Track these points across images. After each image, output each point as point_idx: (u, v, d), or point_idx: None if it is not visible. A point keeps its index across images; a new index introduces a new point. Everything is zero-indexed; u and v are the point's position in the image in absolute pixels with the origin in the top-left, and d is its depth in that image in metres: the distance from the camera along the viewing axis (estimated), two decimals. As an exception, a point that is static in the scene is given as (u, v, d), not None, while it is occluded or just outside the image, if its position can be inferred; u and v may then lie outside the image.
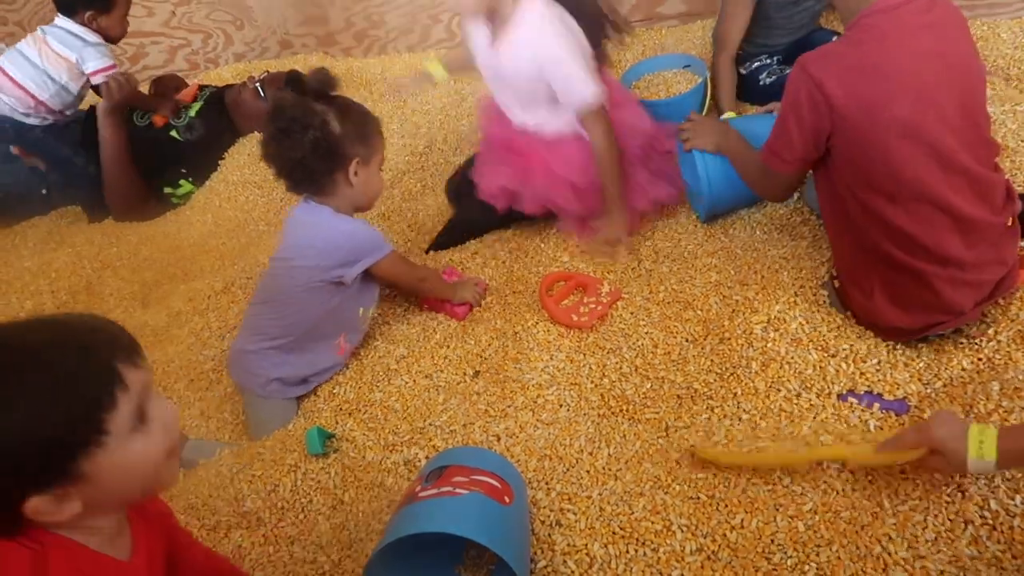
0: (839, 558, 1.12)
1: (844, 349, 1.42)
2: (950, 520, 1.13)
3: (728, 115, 2.11)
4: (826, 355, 1.42)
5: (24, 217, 2.80)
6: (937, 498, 1.15)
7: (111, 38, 2.65)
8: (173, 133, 2.69)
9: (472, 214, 2.07)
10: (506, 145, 1.94)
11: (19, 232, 2.77)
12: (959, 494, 1.15)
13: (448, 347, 1.74)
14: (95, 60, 2.57)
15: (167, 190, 2.74)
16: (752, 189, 1.61)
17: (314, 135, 1.57)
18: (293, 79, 2.79)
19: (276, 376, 1.70)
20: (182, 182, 2.74)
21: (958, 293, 1.32)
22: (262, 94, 2.79)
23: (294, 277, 1.68)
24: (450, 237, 2.13)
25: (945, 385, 1.32)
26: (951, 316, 1.34)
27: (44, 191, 2.75)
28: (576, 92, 1.75)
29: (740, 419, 1.38)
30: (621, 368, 1.57)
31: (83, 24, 2.56)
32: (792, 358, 1.43)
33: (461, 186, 2.09)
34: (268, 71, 2.87)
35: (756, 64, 2.30)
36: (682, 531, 1.23)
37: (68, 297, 2.33)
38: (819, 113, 1.27)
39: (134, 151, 2.66)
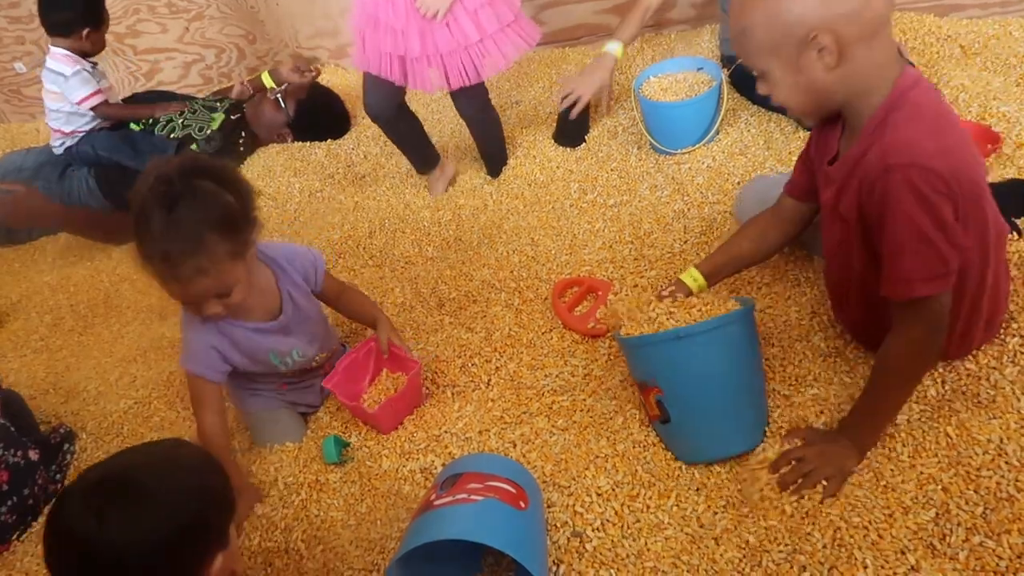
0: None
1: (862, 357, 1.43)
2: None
3: (612, 44, 2.19)
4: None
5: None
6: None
7: (90, 53, 2.65)
8: (193, 147, 2.72)
9: None
10: None
11: (38, 247, 2.81)
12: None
13: (463, 355, 1.74)
14: (77, 90, 2.60)
15: None
16: (922, 369, 1.24)
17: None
18: (314, 90, 2.84)
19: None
20: (197, 196, 2.76)
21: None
22: (283, 105, 2.82)
23: None
24: None
25: (967, 383, 1.31)
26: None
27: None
28: None
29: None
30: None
31: (73, 47, 2.58)
32: (814, 369, 1.44)
33: None
34: (288, 83, 2.87)
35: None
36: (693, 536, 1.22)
37: (87, 311, 2.36)
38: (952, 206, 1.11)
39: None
